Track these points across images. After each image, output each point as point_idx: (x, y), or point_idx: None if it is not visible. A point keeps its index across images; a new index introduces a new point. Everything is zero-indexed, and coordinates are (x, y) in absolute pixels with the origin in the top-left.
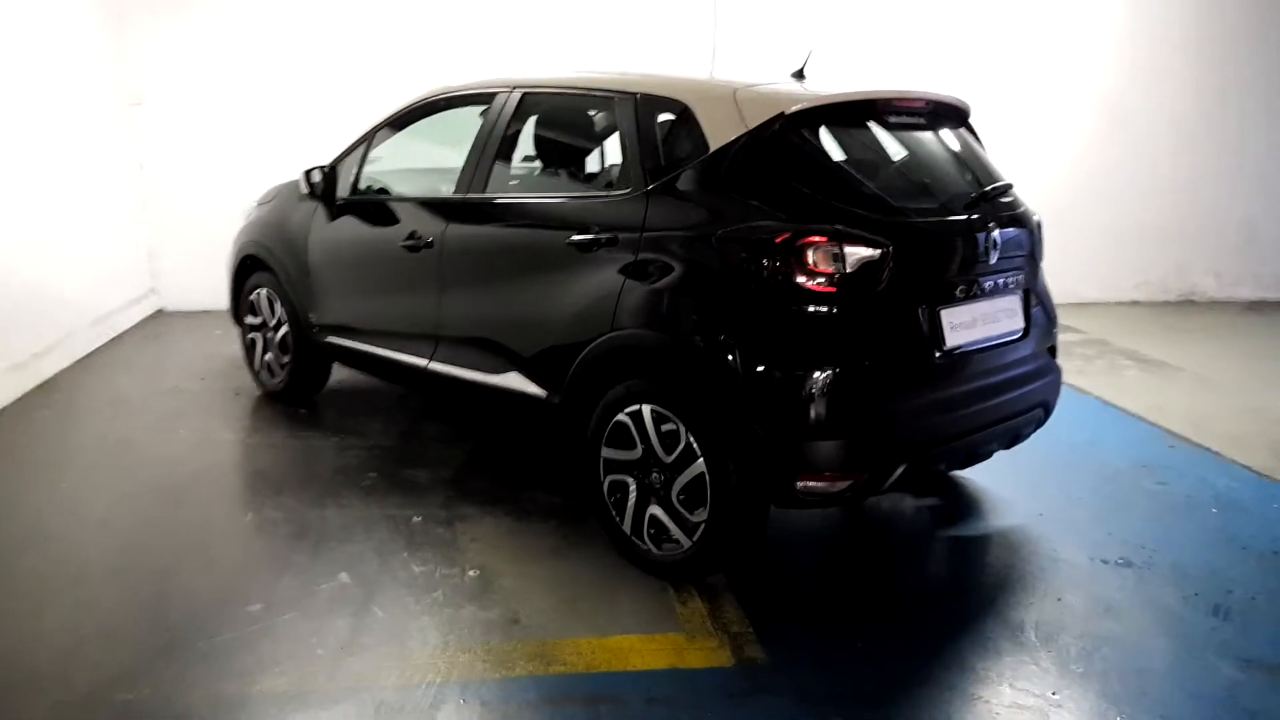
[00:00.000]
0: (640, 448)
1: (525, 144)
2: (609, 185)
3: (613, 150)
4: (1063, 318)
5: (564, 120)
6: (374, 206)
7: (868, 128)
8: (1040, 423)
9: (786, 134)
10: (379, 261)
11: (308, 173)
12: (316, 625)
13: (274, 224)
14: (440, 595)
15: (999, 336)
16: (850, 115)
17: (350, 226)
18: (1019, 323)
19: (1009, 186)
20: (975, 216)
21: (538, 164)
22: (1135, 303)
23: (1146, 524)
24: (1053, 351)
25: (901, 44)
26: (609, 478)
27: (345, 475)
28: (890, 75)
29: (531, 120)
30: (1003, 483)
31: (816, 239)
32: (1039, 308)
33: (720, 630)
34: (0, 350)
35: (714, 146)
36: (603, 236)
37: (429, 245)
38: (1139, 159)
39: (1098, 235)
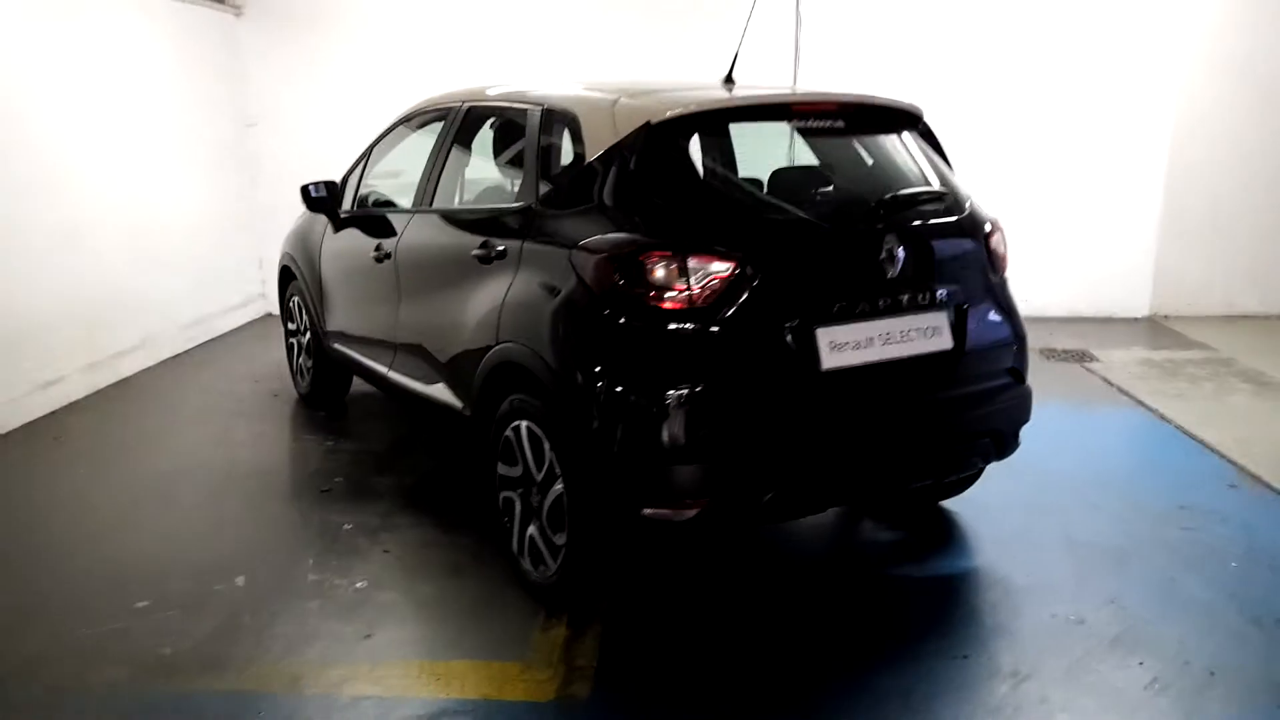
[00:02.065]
0: (520, 465)
1: (465, 159)
2: (515, 198)
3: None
4: (1206, 331)
5: (494, 135)
6: (362, 220)
7: (764, 133)
8: (991, 454)
9: (651, 144)
10: (361, 272)
11: (304, 188)
12: (182, 626)
13: (301, 235)
14: (315, 605)
15: (910, 357)
16: (741, 121)
17: (346, 239)
18: (944, 342)
19: (939, 194)
20: (866, 228)
21: (471, 178)
22: None
23: (1139, 576)
24: (1016, 374)
25: (993, 41)
26: (501, 494)
27: (314, 477)
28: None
29: (471, 135)
30: (997, 518)
31: (660, 253)
32: (985, 325)
33: (563, 663)
34: (82, 349)
35: (589, 158)
36: (496, 249)
37: (388, 257)
38: None
39: (1261, 240)
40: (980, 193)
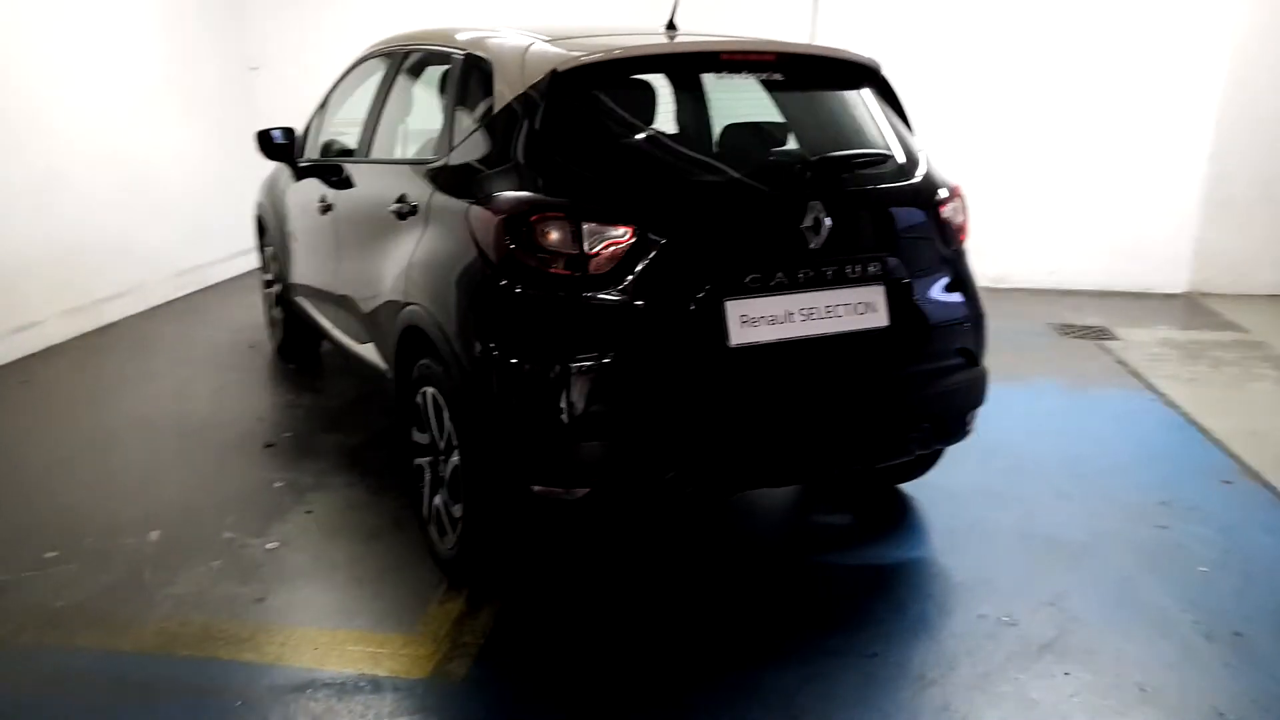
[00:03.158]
0: (428, 432)
1: (400, 106)
2: (434, 150)
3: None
4: (1245, 311)
5: (424, 81)
6: (314, 169)
7: (687, 87)
8: (932, 440)
9: (556, 95)
10: (311, 224)
11: (260, 133)
12: (81, 580)
13: (270, 184)
14: (219, 565)
15: (839, 334)
16: (662, 71)
17: (304, 189)
18: (878, 319)
19: (881, 157)
20: (788, 192)
21: (406, 127)
22: None
23: (1092, 576)
24: (968, 355)
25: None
26: (415, 460)
27: (264, 432)
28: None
29: (409, 81)
30: (955, 505)
31: (553, 215)
32: (931, 302)
33: (449, 640)
34: (62, 294)
35: (497, 109)
36: (409, 205)
37: (330, 209)
38: None
39: None
40: (1009, 158)
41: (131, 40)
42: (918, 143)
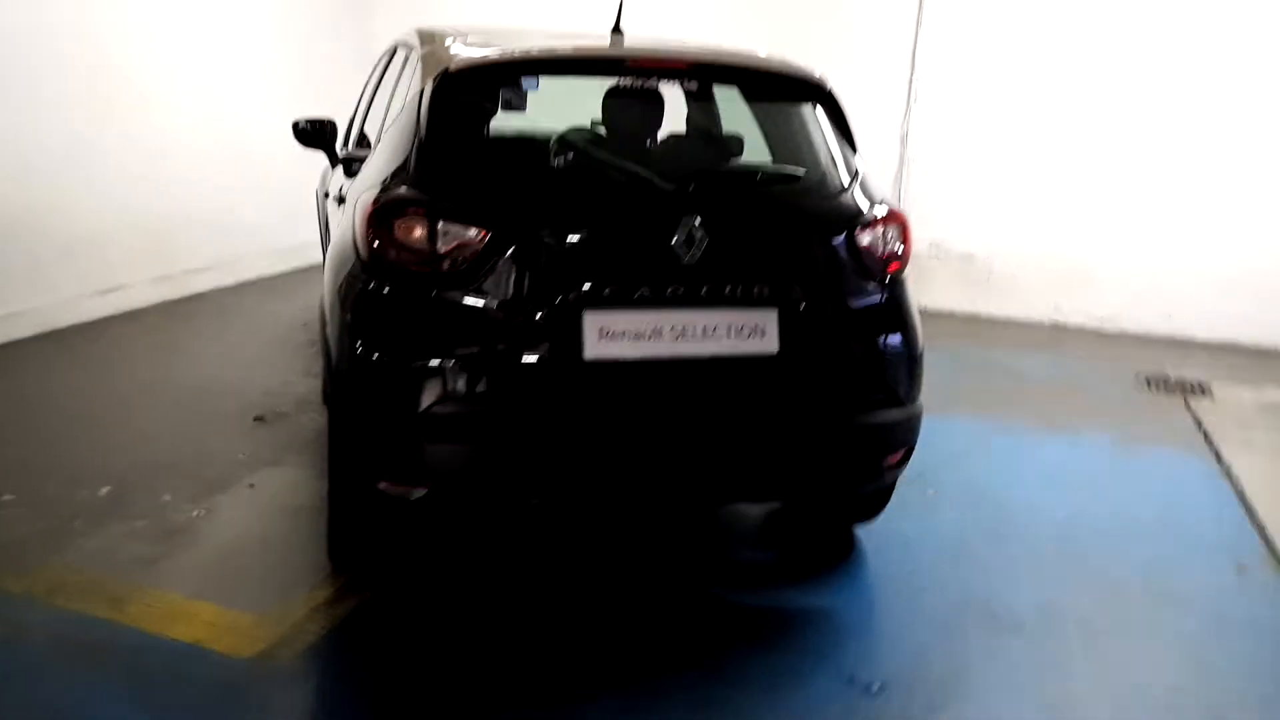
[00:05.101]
0: None
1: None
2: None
3: None
4: None
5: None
6: (340, 160)
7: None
8: (835, 480)
9: (442, 94)
10: (332, 216)
11: (294, 124)
12: (18, 523)
13: (324, 173)
14: (142, 525)
15: (716, 357)
16: (560, 74)
17: (334, 180)
18: (766, 345)
19: (790, 175)
20: (661, 205)
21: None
22: None
23: (1014, 659)
24: (888, 394)
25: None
26: None
27: (260, 405)
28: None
29: (396, 74)
30: (904, 556)
31: (413, 211)
32: (841, 332)
33: (295, 625)
34: (151, 262)
35: (407, 106)
36: (342, 194)
37: (342, 200)
38: None
39: None
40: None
41: (246, 22)
42: (856, 164)
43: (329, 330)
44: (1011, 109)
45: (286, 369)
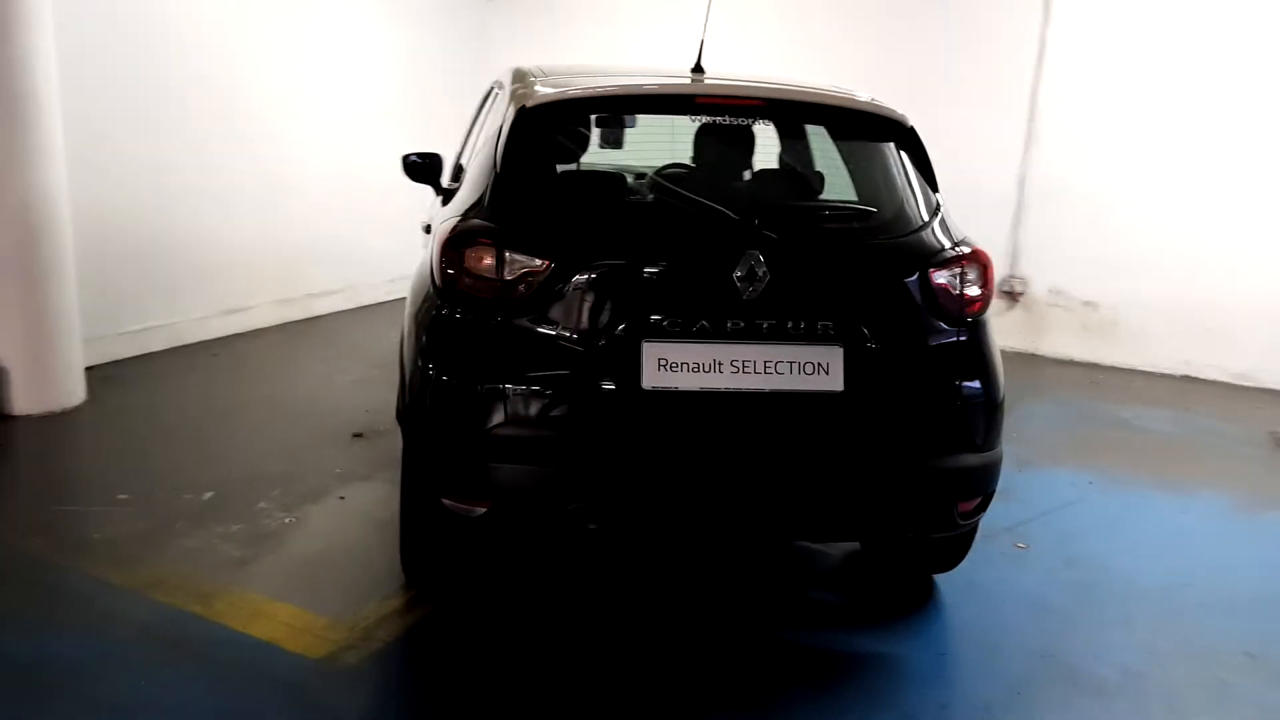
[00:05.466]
0: None
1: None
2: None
3: None
4: None
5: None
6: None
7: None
8: (903, 524)
9: (519, 130)
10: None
11: (404, 157)
12: (127, 520)
13: (431, 204)
14: (238, 529)
15: (778, 392)
16: (631, 111)
17: (435, 211)
18: (831, 383)
19: (861, 212)
20: (724, 240)
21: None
22: None
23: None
24: (962, 438)
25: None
26: None
27: (360, 423)
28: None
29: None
30: (982, 613)
31: (483, 241)
32: (912, 374)
33: (364, 631)
34: (275, 286)
35: (490, 142)
36: (427, 226)
37: (428, 230)
38: None
39: None
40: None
41: (369, 61)
42: (935, 201)
43: (404, 351)
44: (1137, 151)
45: (389, 389)
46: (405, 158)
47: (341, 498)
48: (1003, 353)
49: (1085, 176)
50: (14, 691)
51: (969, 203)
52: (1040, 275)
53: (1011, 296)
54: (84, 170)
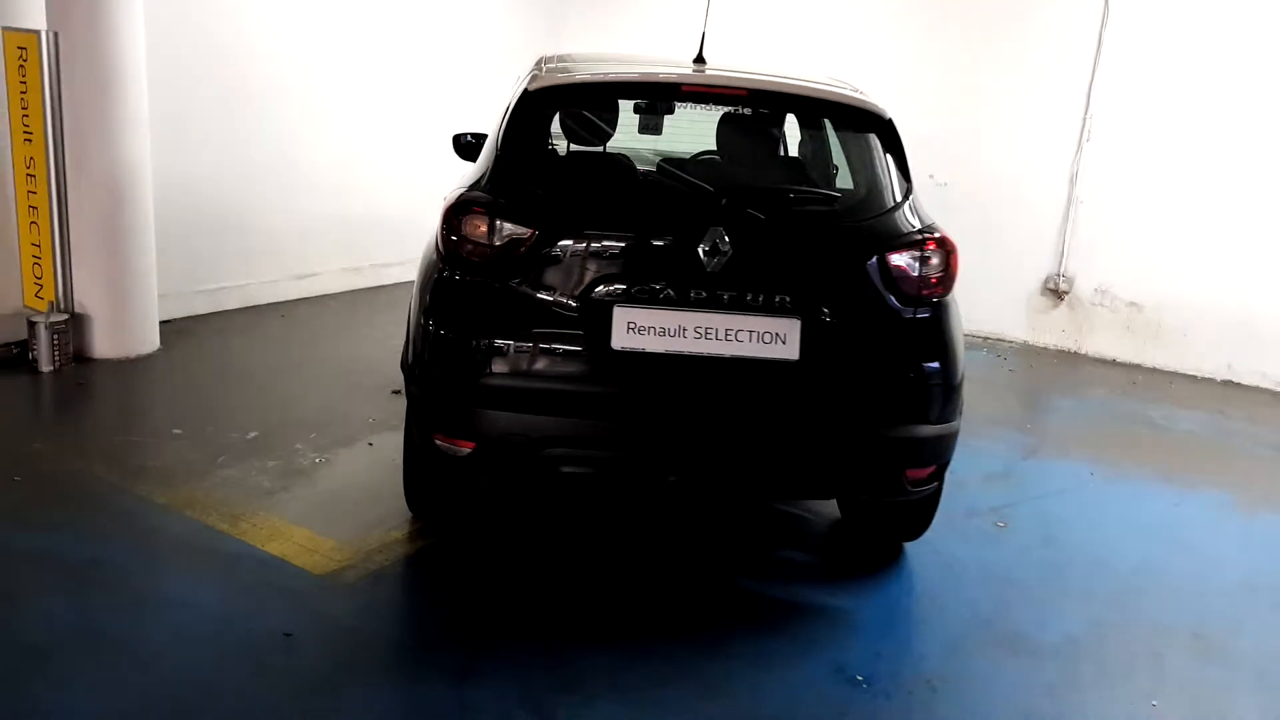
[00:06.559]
0: None
1: None
2: None
3: None
4: None
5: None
6: None
7: (656, 113)
8: (855, 487)
9: (521, 111)
10: None
11: (455, 136)
12: (177, 451)
13: None
14: (273, 464)
15: (734, 357)
16: (622, 97)
17: None
18: (787, 351)
19: (823, 196)
20: (691, 217)
21: None
22: None
23: (1023, 675)
24: (916, 410)
25: None
26: None
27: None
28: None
29: None
30: (948, 581)
31: (478, 210)
32: (867, 347)
33: (368, 555)
34: (342, 255)
35: (501, 121)
36: None
37: None
38: None
39: None
40: None
41: (440, 44)
42: (905, 189)
43: (411, 308)
44: (1189, 154)
45: None
46: (456, 137)
47: (370, 444)
48: (1044, 350)
49: (1135, 177)
50: (67, 585)
51: (1018, 198)
52: (1086, 274)
53: (1056, 294)
54: (170, 143)
